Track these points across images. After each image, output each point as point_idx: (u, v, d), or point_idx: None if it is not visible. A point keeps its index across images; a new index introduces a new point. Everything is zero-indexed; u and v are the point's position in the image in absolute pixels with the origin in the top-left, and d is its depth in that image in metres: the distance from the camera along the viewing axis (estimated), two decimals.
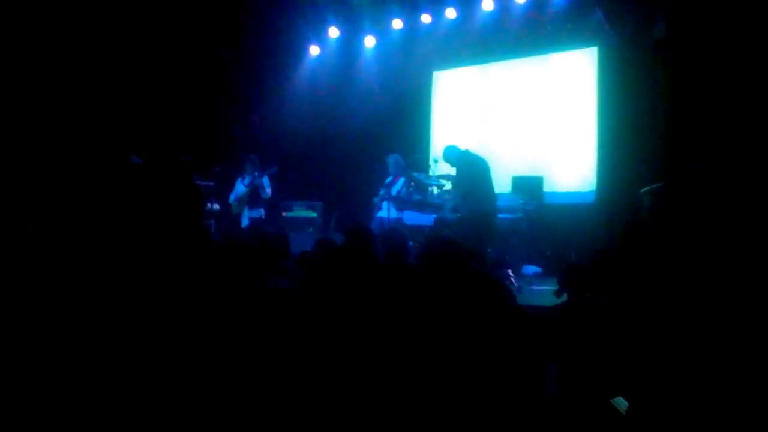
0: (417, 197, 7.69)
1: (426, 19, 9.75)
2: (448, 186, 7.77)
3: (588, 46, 8.75)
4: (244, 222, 8.27)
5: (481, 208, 6.45)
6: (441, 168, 7.83)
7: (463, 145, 6.94)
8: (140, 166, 6.14)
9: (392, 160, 7.82)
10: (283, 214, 8.97)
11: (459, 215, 6.74)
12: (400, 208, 7.62)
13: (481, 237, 6.29)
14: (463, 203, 6.59)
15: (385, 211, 7.48)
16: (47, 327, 2.41)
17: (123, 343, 2.35)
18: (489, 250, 6.41)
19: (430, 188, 7.79)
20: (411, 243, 5.31)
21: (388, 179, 7.80)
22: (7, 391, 2.16)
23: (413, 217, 7.53)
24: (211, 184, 7.72)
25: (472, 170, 6.56)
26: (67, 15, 7.53)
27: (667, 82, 7.06)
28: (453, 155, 6.79)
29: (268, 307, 2.55)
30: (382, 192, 7.68)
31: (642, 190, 5.97)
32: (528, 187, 8.07)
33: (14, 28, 7.13)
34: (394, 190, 7.59)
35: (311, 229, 8.77)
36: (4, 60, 7.00)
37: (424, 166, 8.30)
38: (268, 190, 8.28)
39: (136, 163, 6.22)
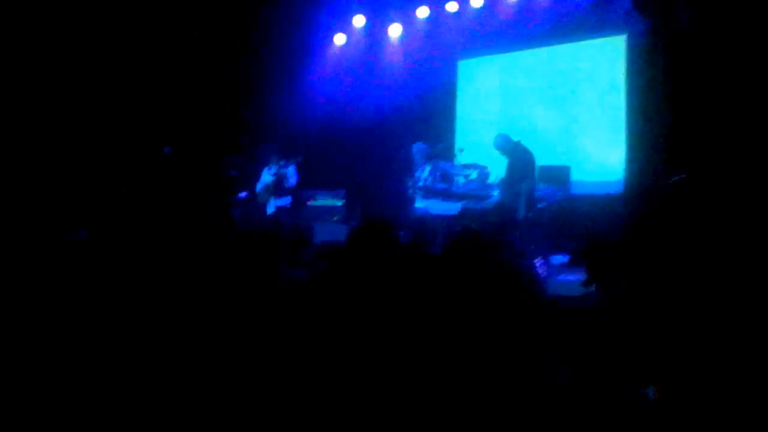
0: (442, 186, 7.66)
1: (452, 7, 9.67)
2: (474, 176, 7.73)
3: (616, 34, 8.60)
4: (270, 210, 8.31)
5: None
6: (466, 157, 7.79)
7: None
8: (172, 156, 6.19)
9: (415, 149, 7.78)
10: (308, 203, 8.99)
11: (488, 204, 6.70)
12: (425, 197, 7.60)
13: (508, 226, 6.26)
14: (509, 190, 6.47)
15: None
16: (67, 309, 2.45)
17: (144, 328, 2.38)
18: (513, 240, 6.36)
19: (455, 178, 7.75)
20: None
21: (417, 171, 7.76)
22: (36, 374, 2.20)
23: (438, 207, 7.49)
24: (235, 173, 7.77)
25: (524, 161, 6.48)
26: (92, 6, 7.61)
27: (697, 69, 6.93)
28: (507, 144, 6.68)
29: (287, 298, 2.55)
30: (419, 183, 7.66)
31: (671, 180, 5.89)
32: (555, 176, 7.98)
33: (39, 22, 7.22)
34: (420, 181, 7.57)
35: (336, 218, 8.78)
36: (28, 55, 7.11)
37: (450, 156, 8.26)
38: (293, 180, 8.30)
39: (168, 153, 6.28)
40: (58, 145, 6.96)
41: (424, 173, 7.63)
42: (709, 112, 6.67)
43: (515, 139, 6.68)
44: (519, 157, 6.54)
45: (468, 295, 2.16)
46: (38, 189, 6.03)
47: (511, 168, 6.60)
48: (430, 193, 7.60)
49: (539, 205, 7.19)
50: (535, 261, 6.28)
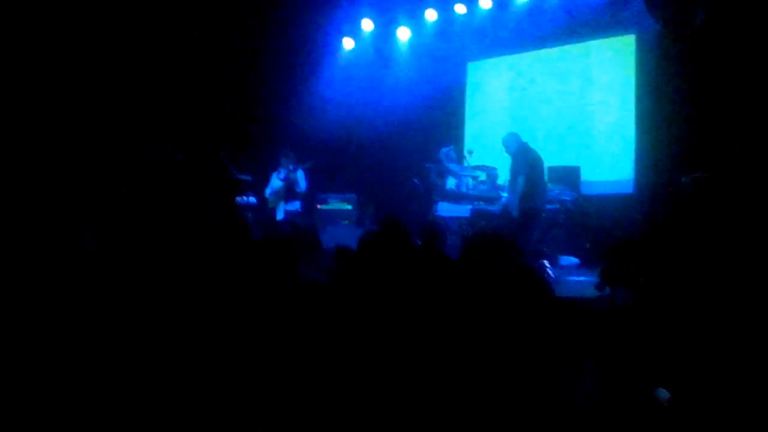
0: (452, 189, 7.65)
1: (460, 9, 9.67)
2: (483, 177, 7.71)
3: (626, 33, 8.58)
4: (280, 215, 8.35)
5: (531, 202, 6.33)
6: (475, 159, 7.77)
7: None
8: (178, 160, 6.21)
9: (444, 155, 7.78)
10: (319, 207, 9.02)
11: (500, 206, 6.66)
12: (435, 200, 7.62)
13: (521, 230, 6.21)
14: (513, 194, 6.42)
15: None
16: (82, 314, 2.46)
17: (151, 331, 2.39)
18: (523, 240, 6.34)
19: (464, 179, 7.75)
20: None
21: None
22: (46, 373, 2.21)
23: (448, 209, 7.49)
24: (248, 177, 7.80)
25: (531, 161, 6.42)
26: (105, 9, 7.65)
27: (707, 69, 6.90)
28: (514, 142, 6.58)
29: (300, 300, 2.56)
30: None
31: (683, 179, 5.85)
32: (565, 176, 7.95)
33: (47, 22, 7.25)
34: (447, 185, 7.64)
35: (347, 222, 8.80)
36: (32, 55, 7.13)
37: (459, 158, 8.26)
38: (303, 184, 8.34)
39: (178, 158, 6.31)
40: (60, 145, 6.99)
41: (450, 178, 7.65)
42: (720, 111, 6.64)
43: (524, 139, 6.62)
44: (520, 156, 6.48)
45: (488, 297, 2.16)
46: (39, 189, 6.05)
47: (512, 166, 6.56)
48: (439, 195, 7.60)
49: (549, 206, 7.15)
50: (544, 262, 6.27)
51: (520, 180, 6.28)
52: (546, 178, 7.82)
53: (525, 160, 6.37)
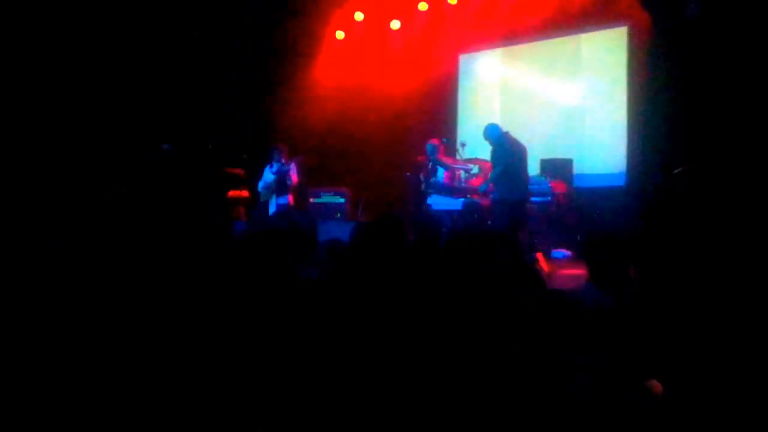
0: (444, 182, 7.65)
1: (452, 0, 9.65)
2: (476, 170, 7.71)
3: (618, 26, 8.58)
4: (272, 209, 8.32)
5: (512, 195, 6.36)
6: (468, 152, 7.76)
7: (504, 127, 6.79)
8: (169, 153, 6.18)
9: (430, 148, 7.76)
10: (311, 200, 9.01)
11: (490, 198, 6.68)
12: (427, 194, 7.61)
13: (509, 222, 6.23)
14: (495, 185, 6.49)
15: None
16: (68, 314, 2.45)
17: (145, 332, 2.38)
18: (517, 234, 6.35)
19: (457, 172, 7.74)
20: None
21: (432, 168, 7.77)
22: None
23: (440, 202, 7.49)
24: (240, 171, 7.77)
25: (509, 153, 6.44)
26: (95, 6, 7.62)
27: (699, 61, 6.91)
28: (493, 134, 6.60)
29: (295, 297, 2.55)
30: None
31: (674, 172, 5.87)
32: (558, 169, 7.95)
33: (46, 22, 7.22)
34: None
35: (339, 215, 8.80)
36: (33, 55, 7.10)
37: (451, 151, 8.26)
38: (294, 178, 8.32)
39: (166, 150, 6.27)
40: (59, 145, 6.97)
41: (439, 172, 7.64)
42: (712, 103, 6.65)
43: (504, 130, 6.63)
44: (500, 146, 6.50)
45: (476, 293, 2.15)
46: (38, 189, 6.02)
47: (492, 156, 6.59)
48: (432, 188, 7.60)
49: (541, 199, 7.17)
50: (536, 255, 6.27)
51: (499, 170, 6.35)
52: (538, 170, 7.83)
53: (505, 150, 6.41)
